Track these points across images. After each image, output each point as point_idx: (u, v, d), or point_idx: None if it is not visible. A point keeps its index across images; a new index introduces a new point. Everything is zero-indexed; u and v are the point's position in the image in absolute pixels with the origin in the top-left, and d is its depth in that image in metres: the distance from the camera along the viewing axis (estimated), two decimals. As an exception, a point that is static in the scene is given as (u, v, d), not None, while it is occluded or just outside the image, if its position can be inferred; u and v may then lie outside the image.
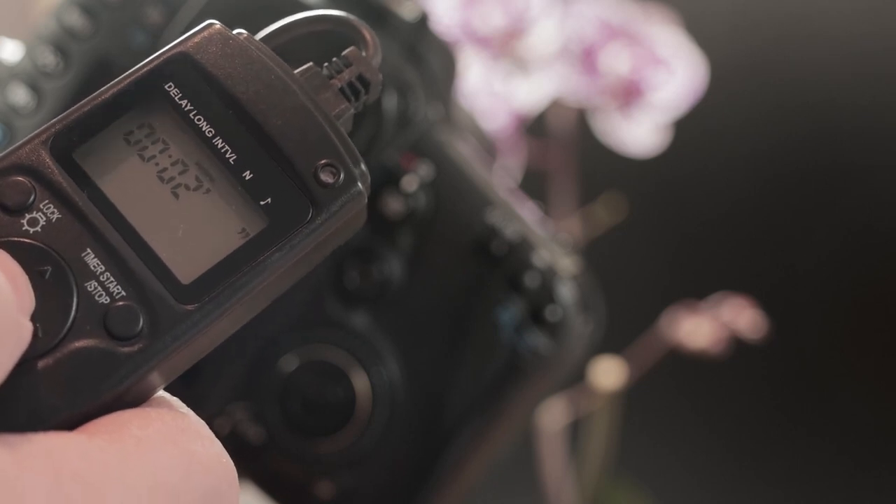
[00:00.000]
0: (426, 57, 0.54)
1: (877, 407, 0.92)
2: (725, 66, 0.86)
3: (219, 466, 0.31)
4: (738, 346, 0.74)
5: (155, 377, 0.32)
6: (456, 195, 0.53)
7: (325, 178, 0.34)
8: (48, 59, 0.54)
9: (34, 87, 0.53)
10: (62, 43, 0.54)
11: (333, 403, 0.52)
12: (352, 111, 0.36)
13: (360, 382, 0.52)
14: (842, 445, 0.92)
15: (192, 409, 0.52)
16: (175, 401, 0.33)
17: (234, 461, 0.53)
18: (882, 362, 0.92)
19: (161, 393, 0.33)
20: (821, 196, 0.92)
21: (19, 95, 0.53)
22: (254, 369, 0.52)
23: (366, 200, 0.34)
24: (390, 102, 0.52)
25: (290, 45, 0.36)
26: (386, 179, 0.52)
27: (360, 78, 0.36)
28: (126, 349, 0.31)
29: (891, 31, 0.91)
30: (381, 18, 0.53)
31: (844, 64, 0.91)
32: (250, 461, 0.52)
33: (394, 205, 0.52)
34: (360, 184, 0.34)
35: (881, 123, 0.91)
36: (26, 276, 0.31)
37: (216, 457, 0.31)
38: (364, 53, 0.36)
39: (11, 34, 0.57)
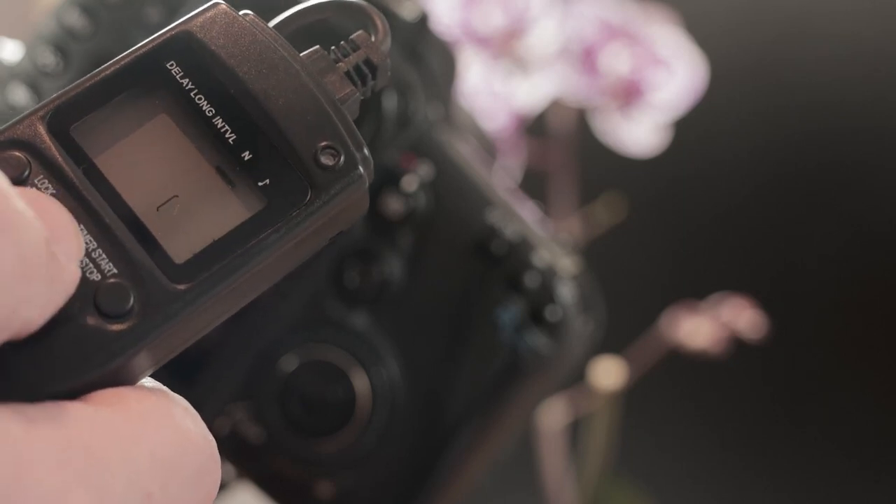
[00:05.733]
0: (426, 57, 0.54)
1: (876, 407, 0.92)
2: (725, 66, 0.86)
3: (207, 445, 0.31)
4: (738, 346, 0.74)
5: (145, 357, 0.31)
6: (456, 195, 0.53)
7: (325, 160, 0.33)
8: (48, 59, 0.54)
9: (34, 87, 0.53)
10: (62, 43, 0.54)
11: (333, 403, 0.52)
12: (358, 95, 0.35)
13: (360, 382, 0.52)
14: (842, 445, 0.92)
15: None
16: (157, 383, 0.32)
17: (234, 461, 0.53)
18: (882, 362, 0.92)
19: (146, 379, 0.32)
20: (820, 196, 0.92)
21: (19, 95, 0.53)
22: (254, 369, 0.52)
23: (367, 185, 0.34)
24: (390, 102, 0.52)
25: (305, 34, 0.35)
26: (386, 179, 0.52)
27: (367, 62, 0.35)
28: (116, 327, 0.30)
29: (891, 32, 0.91)
30: (381, 18, 0.53)
31: (844, 64, 0.91)
32: (250, 461, 0.52)
33: (394, 205, 0.52)
34: (361, 168, 0.33)
35: (881, 123, 0.91)
36: (75, 223, 0.30)
37: (204, 435, 0.31)
38: (373, 38, 0.35)
39: (11, 34, 0.57)
